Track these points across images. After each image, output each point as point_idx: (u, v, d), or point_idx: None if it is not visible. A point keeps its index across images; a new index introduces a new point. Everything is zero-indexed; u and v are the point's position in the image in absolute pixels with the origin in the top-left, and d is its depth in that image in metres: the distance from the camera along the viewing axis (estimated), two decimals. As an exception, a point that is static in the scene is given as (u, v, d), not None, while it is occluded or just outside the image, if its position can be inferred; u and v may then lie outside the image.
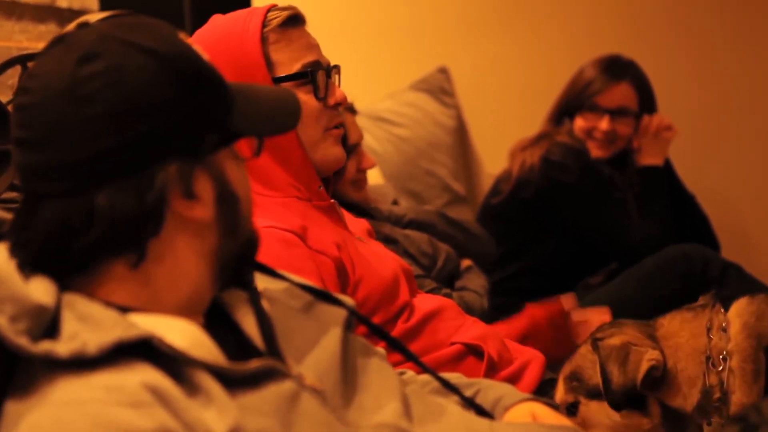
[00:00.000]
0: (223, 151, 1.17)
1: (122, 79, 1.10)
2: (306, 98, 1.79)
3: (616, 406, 1.60)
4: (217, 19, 1.85)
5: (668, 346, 1.62)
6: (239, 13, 1.83)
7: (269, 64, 1.78)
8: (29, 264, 1.11)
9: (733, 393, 1.60)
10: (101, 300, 1.11)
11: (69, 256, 1.10)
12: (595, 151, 3.21)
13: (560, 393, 1.68)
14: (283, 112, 1.26)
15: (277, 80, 1.78)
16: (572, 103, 3.25)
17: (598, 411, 1.63)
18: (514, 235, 3.21)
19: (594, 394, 1.62)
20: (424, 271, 2.55)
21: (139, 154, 1.10)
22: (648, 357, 1.58)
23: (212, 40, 1.79)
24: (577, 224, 3.17)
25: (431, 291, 2.39)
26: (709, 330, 1.64)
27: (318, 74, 1.81)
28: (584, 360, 1.65)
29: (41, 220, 1.10)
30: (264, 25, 1.79)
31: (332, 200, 1.89)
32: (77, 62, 1.10)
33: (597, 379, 1.61)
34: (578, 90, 3.24)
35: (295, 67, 1.80)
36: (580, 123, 3.22)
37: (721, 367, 1.60)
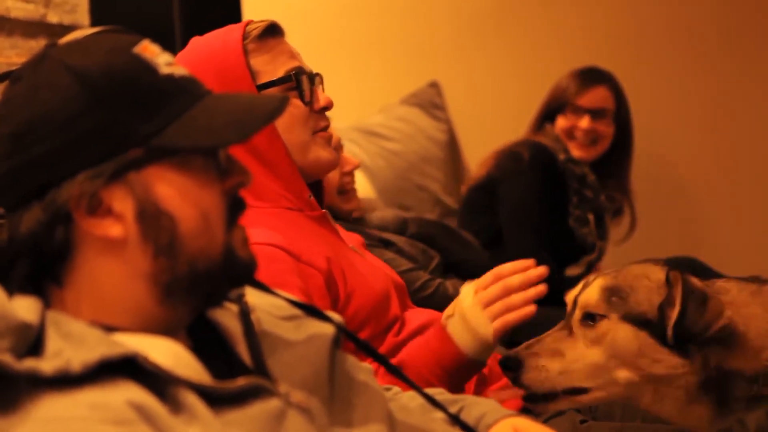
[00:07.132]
0: (153, 166, 1.12)
1: (35, 99, 1.10)
2: (292, 103, 1.82)
3: (674, 341, 1.52)
4: (196, 41, 1.90)
5: (740, 315, 1.59)
6: (217, 32, 1.89)
7: (252, 74, 1.82)
8: None
9: None
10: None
11: (5, 275, 1.11)
12: (577, 152, 3.28)
13: (593, 298, 1.57)
14: (245, 119, 1.15)
15: (261, 87, 1.81)
16: (552, 106, 3.32)
17: (627, 337, 1.54)
18: (490, 236, 3.21)
19: (630, 319, 1.54)
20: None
21: (42, 172, 1.09)
22: (727, 314, 1.55)
23: (196, 59, 1.83)
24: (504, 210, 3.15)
25: (425, 282, 2.45)
26: None
27: (302, 78, 1.84)
28: (638, 281, 1.56)
29: None
30: (244, 37, 1.84)
31: (323, 210, 1.90)
32: (11, 82, 1.12)
33: (644, 306, 1.54)
34: (558, 94, 3.31)
35: (279, 74, 1.84)
36: (561, 123, 3.29)
37: None
